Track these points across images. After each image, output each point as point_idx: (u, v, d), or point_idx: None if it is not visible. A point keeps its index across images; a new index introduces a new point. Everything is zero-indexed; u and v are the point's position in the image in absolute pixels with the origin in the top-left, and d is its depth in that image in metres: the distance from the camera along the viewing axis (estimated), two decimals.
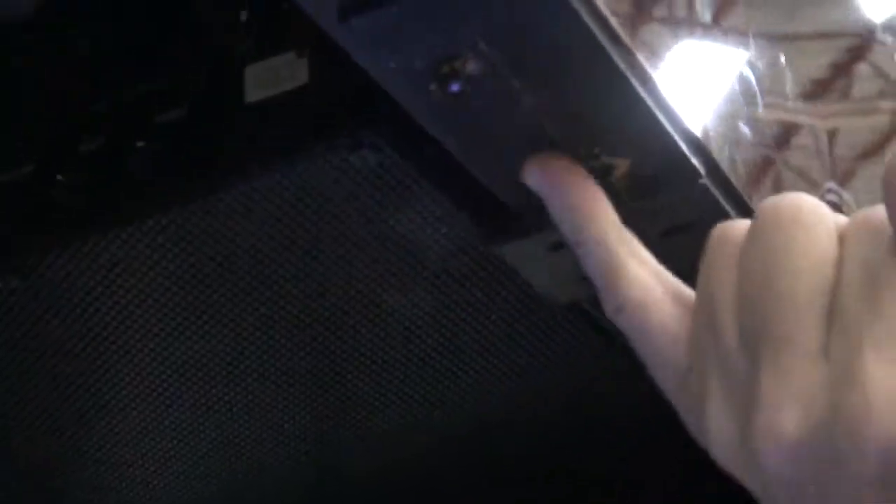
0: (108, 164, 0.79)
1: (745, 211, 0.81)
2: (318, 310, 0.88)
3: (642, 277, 0.66)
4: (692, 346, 0.58)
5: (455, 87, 0.67)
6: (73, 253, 0.81)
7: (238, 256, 0.82)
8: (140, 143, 0.77)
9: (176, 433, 1.01)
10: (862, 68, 0.99)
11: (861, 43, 0.97)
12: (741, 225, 0.60)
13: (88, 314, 0.86)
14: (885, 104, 1.03)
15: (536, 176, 0.71)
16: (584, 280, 0.84)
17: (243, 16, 0.79)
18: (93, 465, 1.03)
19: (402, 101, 0.69)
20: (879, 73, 1.03)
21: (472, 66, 0.67)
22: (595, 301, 0.89)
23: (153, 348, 0.90)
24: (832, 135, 0.94)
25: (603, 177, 0.75)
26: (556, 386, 0.99)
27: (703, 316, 0.58)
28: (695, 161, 0.75)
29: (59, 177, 0.78)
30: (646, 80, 0.70)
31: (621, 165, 0.74)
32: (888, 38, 1.04)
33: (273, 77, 0.76)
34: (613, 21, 0.67)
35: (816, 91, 0.95)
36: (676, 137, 0.73)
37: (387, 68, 0.67)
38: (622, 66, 0.68)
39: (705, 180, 0.76)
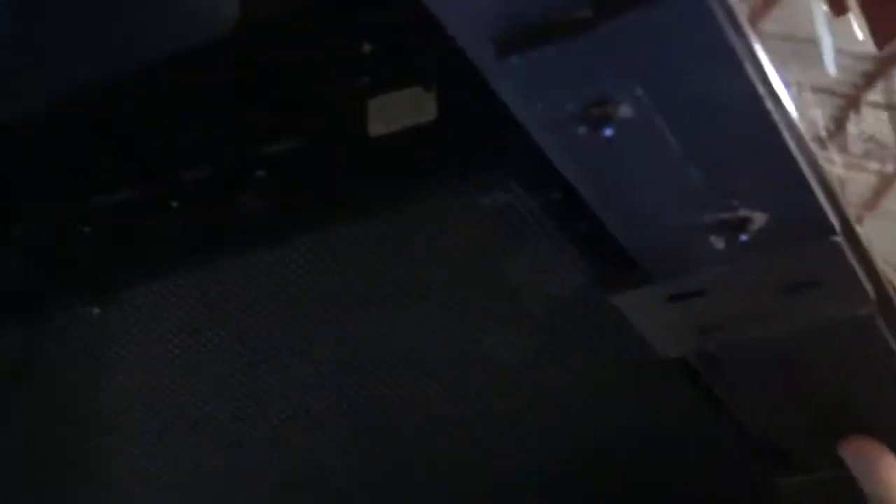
0: (217, 194, 0.76)
1: (873, 274, 0.79)
2: (421, 357, 0.85)
3: None
4: None
5: (607, 132, 0.65)
6: (171, 285, 0.78)
7: (347, 295, 0.79)
8: (258, 173, 0.75)
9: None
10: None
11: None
12: None
13: (173, 354, 0.83)
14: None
15: (851, 458, 0.90)
16: (695, 334, 0.83)
17: (366, 48, 0.77)
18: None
19: (546, 142, 0.67)
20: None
21: (624, 111, 0.65)
22: (701, 356, 0.88)
23: (252, 387, 0.87)
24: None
25: (736, 230, 0.73)
26: (650, 441, 0.97)
27: None
28: (831, 217, 0.73)
29: (173, 203, 0.76)
30: (792, 128, 0.68)
31: (757, 219, 0.72)
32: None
33: (398, 111, 0.74)
34: (770, 69, 0.65)
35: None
36: (818, 193, 0.71)
37: (535, 109, 0.65)
38: (775, 115, 0.66)
39: (839, 237, 0.74)
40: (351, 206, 0.75)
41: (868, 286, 0.78)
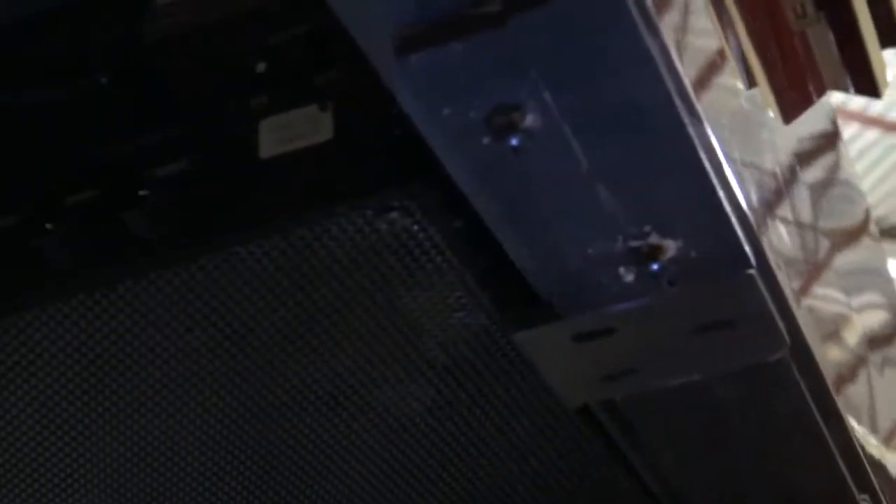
0: (102, 216, 0.71)
1: (788, 316, 0.75)
2: (311, 391, 0.80)
3: None
4: None
5: (511, 141, 0.61)
6: (55, 312, 0.73)
7: (236, 323, 0.74)
8: (141, 193, 0.70)
9: None
10: None
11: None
12: None
13: (62, 382, 0.78)
14: None
15: None
16: (602, 381, 0.78)
17: (260, 67, 0.73)
18: None
19: (447, 155, 0.63)
20: None
21: (531, 119, 0.61)
22: (606, 407, 0.83)
23: (135, 419, 0.81)
24: None
25: (647, 260, 0.69)
26: (552, 487, 0.92)
27: None
28: (747, 249, 0.69)
29: (48, 226, 0.70)
30: (712, 155, 0.65)
31: (669, 248, 0.68)
32: None
33: (292, 132, 0.70)
34: (689, 84, 0.62)
35: None
36: (733, 220, 0.67)
37: (438, 115, 0.61)
38: (691, 132, 0.63)
39: (754, 272, 0.70)
40: (241, 229, 0.70)
41: (783, 328, 0.75)
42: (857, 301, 1.36)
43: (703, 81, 0.78)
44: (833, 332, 1.38)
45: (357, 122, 0.69)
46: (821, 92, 1.37)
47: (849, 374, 1.35)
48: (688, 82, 0.62)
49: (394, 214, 0.68)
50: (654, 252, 0.68)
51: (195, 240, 0.71)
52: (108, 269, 0.72)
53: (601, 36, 0.58)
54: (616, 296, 0.71)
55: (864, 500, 0.91)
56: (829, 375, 1.15)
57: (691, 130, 0.63)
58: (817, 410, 0.82)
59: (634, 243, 0.68)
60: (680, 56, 0.77)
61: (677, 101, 0.61)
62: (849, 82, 1.38)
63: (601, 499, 0.94)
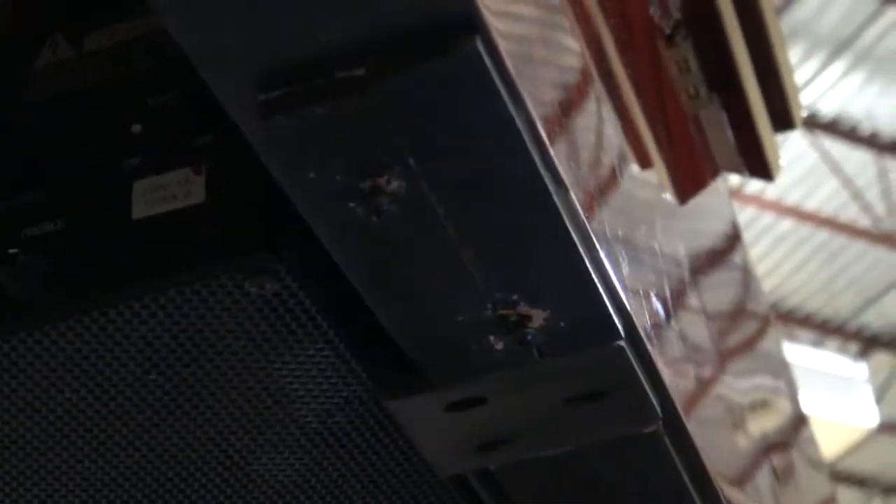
0: None
1: (660, 387, 0.76)
2: (179, 458, 0.79)
3: None
4: None
5: (378, 206, 0.61)
6: None
7: (102, 385, 0.74)
8: (12, 251, 0.69)
9: None
10: None
11: None
12: None
13: None
14: None
15: None
16: (475, 451, 0.78)
17: (135, 128, 0.73)
18: None
19: (314, 219, 0.64)
20: None
21: (396, 185, 0.61)
22: (481, 476, 0.83)
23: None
24: None
25: (516, 329, 0.69)
26: None
27: None
28: (616, 320, 0.70)
29: None
30: (579, 225, 0.65)
31: (537, 317, 0.69)
32: None
33: (165, 194, 0.70)
34: (553, 154, 0.63)
35: None
36: (602, 292, 0.68)
37: (304, 178, 0.61)
38: (556, 200, 0.63)
39: (623, 343, 0.71)
40: (112, 290, 0.69)
41: (654, 400, 0.75)
42: (754, 392, 1.37)
43: (614, 171, 0.80)
44: (740, 421, 1.39)
45: (230, 185, 0.70)
46: (715, 174, 1.39)
47: (753, 465, 1.36)
48: (553, 153, 0.63)
49: (263, 278, 0.68)
50: (523, 321, 0.69)
51: (66, 299, 0.70)
52: None
53: (465, 105, 0.59)
54: (487, 364, 0.71)
55: None
56: (737, 465, 1.16)
57: (558, 201, 0.63)
58: (691, 483, 0.83)
59: (503, 311, 0.69)
60: (600, 146, 0.79)
61: (543, 172, 0.62)
62: (742, 165, 1.40)
63: None
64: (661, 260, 0.92)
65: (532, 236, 0.65)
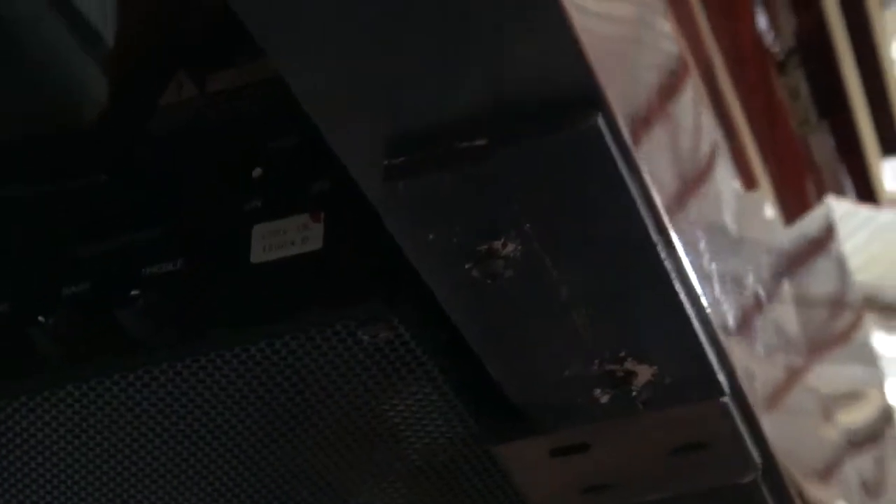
0: (93, 310, 0.74)
1: (760, 439, 0.78)
2: (288, 493, 0.82)
3: None
4: None
5: (493, 269, 0.63)
6: (43, 401, 0.75)
7: (217, 424, 0.77)
8: (132, 293, 0.72)
9: None
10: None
11: None
12: None
13: (47, 467, 0.80)
14: None
15: None
16: (578, 495, 0.80)
17: (256, 172, 0.75)
18: None
19: (430, 277, 0.66)
20: None
21: (511, 248, 0.63)
22: None
23: None
24: None
25: (622, 384, 0.71)
26: None
27: None
28: (720, 376, 0.71)
29: (40, 318, 0.73)
30: (686, 283, 0.67)
31: (644, 373, 0.71)
32: None
33: (283, 239, 0.73)
34: (665, 218, 0.64)
35: None
36: (707, 349, 0.70)
37: (422, 240, 0.63)
38: (667, 265, 0.65)
39: (727, 399, 0.73)
40: (228, 333, 0.72)
41: (754, 451, 0.77)
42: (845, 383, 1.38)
43: (691, 187, 0.81)
44: (830, 412, 1.41)
45: (347, 233, 0.72)
46: (821, 196, 1.40)
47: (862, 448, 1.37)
48: (666, 219, 0.65)
49: (377, 326, 0.70)
50: (629, 377, 0.71)
51: (182, 340, 0.73)
52: (98, 363, 0.74)
53: (582, 175, 0.61)
54: (592, 415, 0.74)
55: None
56: (823, 458, 1.18)
57: (668, 265, 0.65)
58: None
59: (610, 367, 0.71)
60: (675, 160, 0.80)
61: (655, 237, 0.64)
62: (849, 188, 1.40)
63: None
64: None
65: (642, 299, 0.67)
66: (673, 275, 0.66)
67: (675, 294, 0.67)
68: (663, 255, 0.65)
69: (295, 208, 0.74)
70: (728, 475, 0.79)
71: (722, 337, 0.73)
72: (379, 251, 0.70)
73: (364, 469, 0.81)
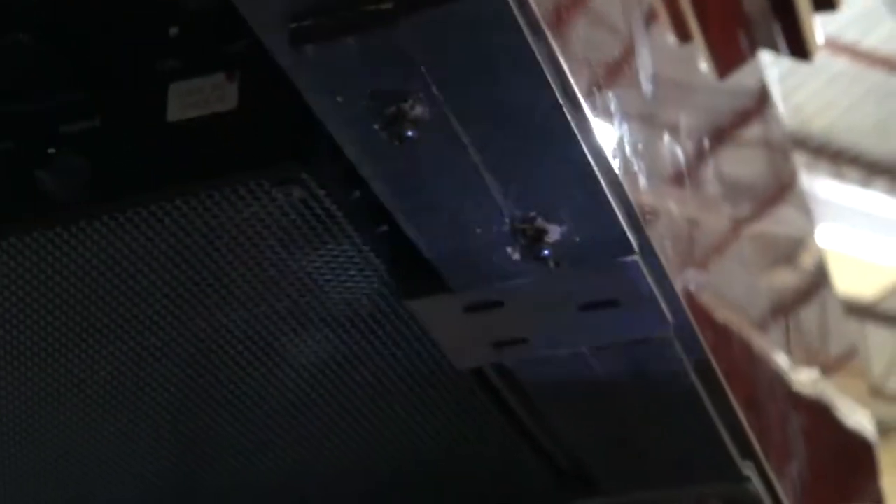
0: (13, 169, 0.74)
1: (672, 296, 0.79)
2: (211, 346, 0.84)
3: None
4: None
5: (401, 131, 0.64)
6: None
7: (136, 279, 0.78)
8: (49, 151, 0.73)
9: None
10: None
11: None
12: None
13: None
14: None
15: None
16: (491, 347, 0.82)
17: (173, 31, 0.75)
18: None
19: (341, 138, 0.67)
20: None
21: (420, 111, 0.64)
22: (499, 370, 0.88)
23: (26, 367, 0.85)
24: None
25: (533, 242, 0.72)
26: (440, 445, 0.96)
27: None
28: (630, 235, 0.73)
29: None
30: (595, 146, 0.68)
31: (554, 231, 0.72)
32: None
33: (199, 98, 0.73)
34: (573, 82, 0.65)
35: None
36: (616, 208, 0.71)
37: (331, 102, 0.64)
38: (573, 126, 0.66)
39: (637, 257, 0.74)
40: (144, 190, 0.73)
41: (666, 308, 0.79)
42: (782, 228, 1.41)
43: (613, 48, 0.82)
44: (790, 254, 1.44)
45: (261, 94, 0.72)
46: (753, 51, 1.40)
47: (801, 297, 1.40)
48: (574, 83, 0.66)
49: (290, 185, 0.71)
50: (540, 234, 0.72)
51: (98, 198, 0.74)
52: (16, 222, 0.75)
53: (487, 39, 0.61)
54: (505, 273, 0.75)
55: (747, 466, 0.96)
56: (774, 300, 1.20)
57: (575, 127, 0.66)
58: (700, 384, 0.87)
59: (521, 226, 0.72)
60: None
61: (562, 102, 0.65)
62: (781, 43, 1.41)
63: (495, 468, 0.99)
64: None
65: (551, 161, 0.68)
66: (579, 136, 0.67)
67: (583, 154, 0.68)
68: (569, 116, 0.66)
69: (211, 68, 0.74)
70: (639, 330, 0.81)
71: (637, 196, 0.74)
72: (293, 111, 0.71)
73: (291, 321, 0.83)
